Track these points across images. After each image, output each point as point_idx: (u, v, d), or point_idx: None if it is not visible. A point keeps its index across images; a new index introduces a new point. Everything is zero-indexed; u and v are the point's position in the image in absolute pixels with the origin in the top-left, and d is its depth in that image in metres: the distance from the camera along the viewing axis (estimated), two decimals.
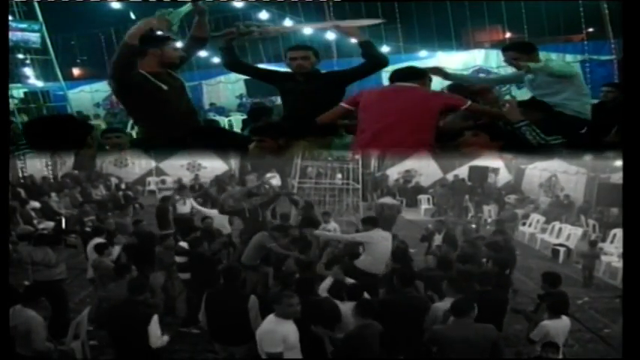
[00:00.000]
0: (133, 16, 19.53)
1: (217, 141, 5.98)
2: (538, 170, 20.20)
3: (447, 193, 20.11)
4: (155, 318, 5.56)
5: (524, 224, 16.88)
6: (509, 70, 6.27)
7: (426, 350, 5.70)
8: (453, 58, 19.66)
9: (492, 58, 19.74)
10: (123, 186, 20.36)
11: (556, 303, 6.28)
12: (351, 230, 11.24)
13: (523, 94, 6.62)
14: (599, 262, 12.17)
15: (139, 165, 22.08)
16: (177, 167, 22.07)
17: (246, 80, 19.79)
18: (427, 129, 4.78)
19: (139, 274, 7.76)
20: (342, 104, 5.11)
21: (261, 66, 6.63)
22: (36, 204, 14.17)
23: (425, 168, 22.27)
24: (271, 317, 5.13)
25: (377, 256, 8.12)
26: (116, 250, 8.60)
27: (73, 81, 23.26)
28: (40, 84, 20.72)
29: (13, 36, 18.43)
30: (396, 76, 5.06)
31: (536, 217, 16.68)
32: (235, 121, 16.63)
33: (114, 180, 20.89)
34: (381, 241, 8.21)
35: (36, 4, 19.07)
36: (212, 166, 22.02)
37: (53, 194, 15.80)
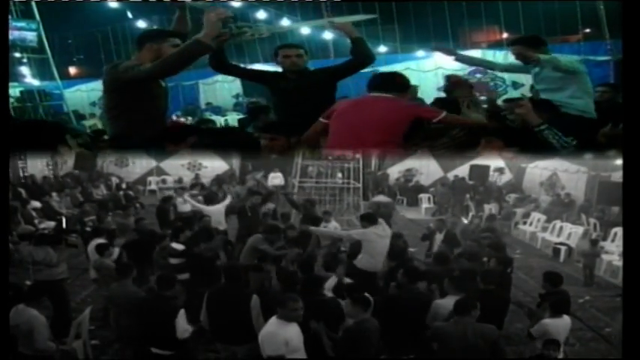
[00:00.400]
0: (130, 15, 19.58)
1: (224, 140, 5.96)
2: (539, 169, 20.19)
3: (447, 192, 20.12)
4: (182, 312, 5.83)
5: (525, 223, 16.90)
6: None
7: (429, 347, 5.71)
8: (450, 58, 19.64)
9: (489, 58, 19.67)
10: (124, 185, 20.35)
11: (558, 302, 6.29)
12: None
13: (519, 95, 6.63)
14: (600, 260, 12.16)
15: (139, 164, 22.08)
16: (178, 167, 22.11)
17: (242, 80, 19.83)
18: (394, 140, 4.80)
19: (139, 273, 7.78)
20: (321, 119, 5.04)
21: (256, 66, 6.62)
22: (37, 204, 14.16)
23: (425, 167, 22.28)
24: (274, 320, 5.10)
25: (373, 254, 8.07)
26: (117, 251, 8.59)
27: (69, 80, 23.18)
28: (36, 83, 20.69)
29: (10, 34, 18.42)
30: (373, 83, 5.01)
31: (537, 216, 16.68)
32: (232, 121, 16.63)
33: (115, 179, 20.89)
34: (375, 239, 8.13)
35: (33, 3, 19.05)
36: (213, 165, 22.04)
37: (54, 194, 15.79)
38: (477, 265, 8.14)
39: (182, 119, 15.92)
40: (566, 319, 6.21)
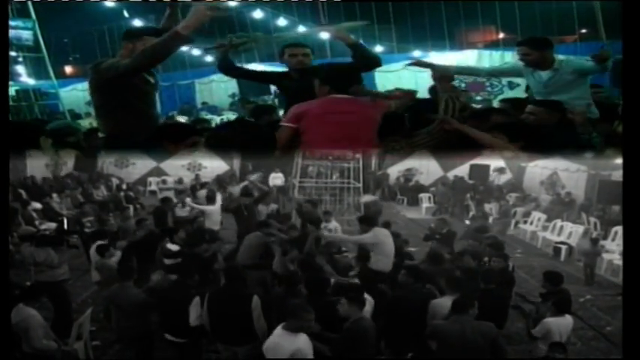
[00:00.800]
0: (126, 14, 19.57)
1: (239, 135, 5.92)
2: (539, 168, 20.20)
3: (447, 192, 20.13)
4: (197, 299, 6.03)
5: (525, 222, 16.92)
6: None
7: (428, 346, 5.71)
8: (446, 59, 19.65)
9: (485, 59, 19.73)
10: (124, 186, 20.34)
11: (561, 301, 6.29)
12: (354, 229, 11.28)
13: (516, 94, 6.67)
14: (600, 259, 12.17)
15: (139, 165, 22.07)
16: (178, 167, 22.09)
17: (238, 79, 19.85)
18: (369, 138, 4.92)
19: (140, 273, 7.80)
20: (283, 124, 5.05)
21: (257, 68, 6.63)
22: (37, 205, 14.16)
23: (425, 166, 22.29)
24: (279, 331, 5.00)
25: (386, 254, 8.11)
26: (118, 253, 8.58)
27: (65, 79, 23.20)
28: (32, 82, 20.70)
29: None
30: (331, 83, 5.06)
31: (537, 215, 16.70)
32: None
33: (115, 180, 20.88)
34: (385, 239, 8.18)
35: (29, 2, 19.04)
36: (213, 165, 22.03)
37: (54, 195, 15.78)
38: (476, 264, 8.17)
39: (181, 119, 15.87)
40: (568, 319, 6.22)
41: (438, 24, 19.13)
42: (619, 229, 13.50)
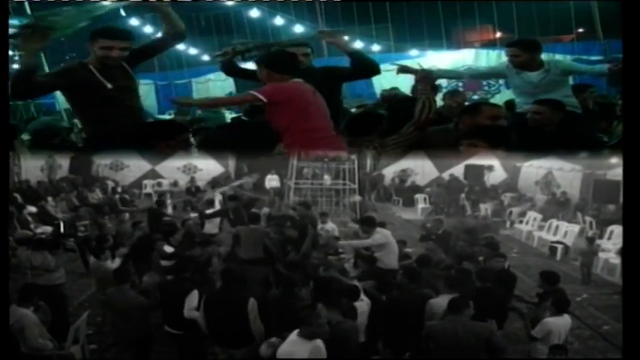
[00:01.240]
0: (123, 13, 19.50)
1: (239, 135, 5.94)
2: (534, 168, 20.22)
3: (442, 193, 20.14)
4: (194, 292, 6.18)
5: (521, 222, 16.94)
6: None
7: (424, 346, 5.71)
8: (443, 58, 19.67)
9: (482, 58, 19.72)
10: (119, 189, 20.29)
11: (559, 301, 6.29)
12: (349, 230, 11.31)
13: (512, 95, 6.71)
14: (597, 258, 12.19)
15: (135, 168, 22.01)
16: (174, 170, 22.01)
17: (235, 78, 19.80)
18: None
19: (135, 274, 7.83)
20: (253, 92, 5.04)
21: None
22: (32, 208, 14.10)
23: (421, 167, 22.28)
24: (294, 338, 4.95)
25: (394, 251, 8.29)
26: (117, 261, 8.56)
27: None
28: None
29: None
30: (282, 66, 5.10)
31: (533, 215, 16.73)
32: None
33: (110, 183, 20.82)
34: (391, 238, 8.38)
35: (26, 2, 18.94)
36: (208, 168, 22.01)
37: (49, 198, 15.72)
38: (468, 264, 8.18)
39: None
40: (566, 318, 6.22)
41: (436, 23, 19.12)
42: (615, 228, 13.55)
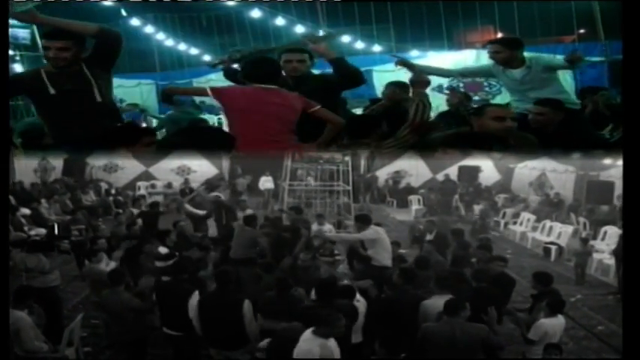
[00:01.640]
0: (124, 13, 19.47)
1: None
2: (527, 169, 20.30)
3: (436, 197, 20.16)
4: (196, 293, 6.16)
5: (515, 223, 16.99)
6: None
7: (420, 347, 5.71)
8: (444, 58, 19.66)
9: (483, 59, 19.60)
10: (113, 191, 20.25)
11: (554, 302, 6.29)
12: (343, 231, 11.31)
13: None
14: (591, 259, 12.22)
15: (128, 170, 21.97)
16: (167, 171, 21.98)
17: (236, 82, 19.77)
18: (292, 130, 5.05)
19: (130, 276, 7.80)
20: (208, 89, 5.13)
21: None
22: (26, 210, 14.06)
23: (414, 168, 22.30)
24: (309, 335, 4.90)
25: (386, 249, 8.30)
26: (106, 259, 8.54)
27: None
28: None
29: None
30: (253, 75, 5.09)
31: (526, 216, 16.78)
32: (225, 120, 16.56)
33: (104, 185, 20.78)
34: (383, 235, 8.41)
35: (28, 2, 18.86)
36: (202, 169, 22.00)
37: (43, 200, 15.67)
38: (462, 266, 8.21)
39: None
40: (561, 319, 6.22)
41: (437, 24, 18.99)
42: (608, 228, 13.62)
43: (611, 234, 13.31)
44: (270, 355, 5.33)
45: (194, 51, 20.38)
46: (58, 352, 6.48)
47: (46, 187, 18.36)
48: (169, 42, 20.62)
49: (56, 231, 12.21)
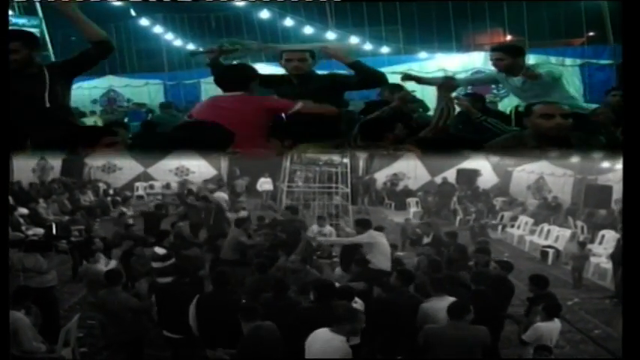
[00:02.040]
0: (133, 13, 19.48)
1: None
2: (525, 173, 20.30)
3: (433, 200, 20.15)
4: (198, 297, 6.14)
5: (512, 226, 16.99)
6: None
7: (420, 349, 5.71)
8: (452, 60, 19.63)
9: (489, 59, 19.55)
10: (111, 192, 20.25)
11: (551, 306, 6.30)
12: (342, 233, 11.31)
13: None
14: (588, 263, 12.23)
15: (127, 170, 21.96)
16: (166, 172, 21.98)
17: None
18: (261, 134, 4.97)
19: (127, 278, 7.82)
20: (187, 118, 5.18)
21: (262, 69, 6.47)
22: (24, 210, 14.05)
23: (413, 171, 22.30)
24: (328, 334, 4.94)
25: (384, 253, 8.29)
26: (103, 259, 8.54)
27: None
28: None
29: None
30: (221, 83, 5.12)
31: (524, 219, 16.79)
32: None
33: (102, 186, 20.77)
34: (380, 239, 8.39)
35: (36, 2, 18.89)
36: (200, 170, 22.00)
37: (41, 200, 15.67)
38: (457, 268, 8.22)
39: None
40: (556, 322, 6.23)
41: (445, 25, 18.96)
42: (606, 232, 13.63)
43: (609, 238, 13.32)
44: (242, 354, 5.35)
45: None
46: (55, 352, 6.47)
47: (44, 187, 18.35)
48: (178, 42, 20.65)
49: (54, 231, 12.21)
